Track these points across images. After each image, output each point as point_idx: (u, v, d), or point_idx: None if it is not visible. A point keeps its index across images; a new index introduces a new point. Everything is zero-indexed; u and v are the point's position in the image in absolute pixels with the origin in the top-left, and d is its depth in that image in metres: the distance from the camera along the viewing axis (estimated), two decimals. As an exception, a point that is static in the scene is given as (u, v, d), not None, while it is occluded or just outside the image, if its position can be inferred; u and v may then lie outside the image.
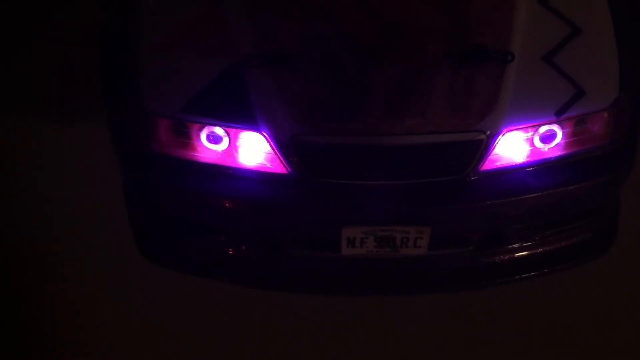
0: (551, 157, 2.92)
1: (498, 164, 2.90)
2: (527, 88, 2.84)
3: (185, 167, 2.92)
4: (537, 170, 2.92)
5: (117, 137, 3.07)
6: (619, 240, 3.31)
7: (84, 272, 3.59)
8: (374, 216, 2.88)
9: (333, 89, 2.80)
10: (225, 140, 2.88)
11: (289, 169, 2.86)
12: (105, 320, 3.47)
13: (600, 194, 3.05)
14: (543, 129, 2.88)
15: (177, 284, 3.46)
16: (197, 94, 2.86)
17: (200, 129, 2.87)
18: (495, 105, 2.79)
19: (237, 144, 2.87)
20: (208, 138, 2.88)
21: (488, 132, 2.80)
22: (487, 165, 2.88)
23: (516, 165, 2.91)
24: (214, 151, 2.90)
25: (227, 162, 2.90)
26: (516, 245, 3.13)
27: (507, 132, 2.83)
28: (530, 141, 2.89)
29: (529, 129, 2.87)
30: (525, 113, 2.83)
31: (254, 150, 2.88)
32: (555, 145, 2.91)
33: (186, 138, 2.89)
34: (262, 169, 2.89)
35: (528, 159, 2.91)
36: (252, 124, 2.82)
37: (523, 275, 3.17)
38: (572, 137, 2.91)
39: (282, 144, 2.81)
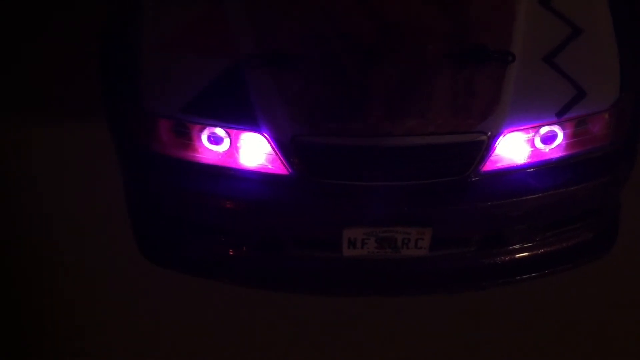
0: (552, 158, 2.92)
1: (499, 165, 2.89)
2: (527, 89, 2.83)
3: (186, 168, 2.92)
4: (538, 171, 2.92)
5: (117, 137, 3.07)
6: (619, 241, 3.30)
7: (84, 272, 3.59)
8: (375, 217, 2.88)
9: (333, 90, 2.80)
10: (227, 142, 2.87)
11: (289, 170, 2.85)
12: (105, 320, 3.47)
13: (601, 195, 3.05)
14: (544, 129, 2.88)
15: (177, 284, 3.45)
16: (198, 94, 2.85)
17: (201, 130, 2.87)
18: (496, 106, 2.79)
19: (238, 145, 2.87)
20: (209, 139, 2.88)
21: (489, 133, 2.80)
22: (488, 166, 2.87)
23: (517, 166, 2.91)
24: (215, 152, 2.89)
25: (228, 163, 2.89)
26: (517, 246, 3.13)
27: (508, 133, 2.83)
28: (531, 142, 2.89)
29: (530, 130, 2.86)
30: (526, 114, 2.83)
31: (254, 151, 2.87)
32: (556, 146, 2.91)
33: (187, 139, 2.89)
34: (263, 170, 2.89)
35: (529, 160, 2.91)
36: (252, 125, 2.82)
37: (524, 276, 3.17)
38: (573, 138, 2.91)
39: (282, 145, 2.81)
